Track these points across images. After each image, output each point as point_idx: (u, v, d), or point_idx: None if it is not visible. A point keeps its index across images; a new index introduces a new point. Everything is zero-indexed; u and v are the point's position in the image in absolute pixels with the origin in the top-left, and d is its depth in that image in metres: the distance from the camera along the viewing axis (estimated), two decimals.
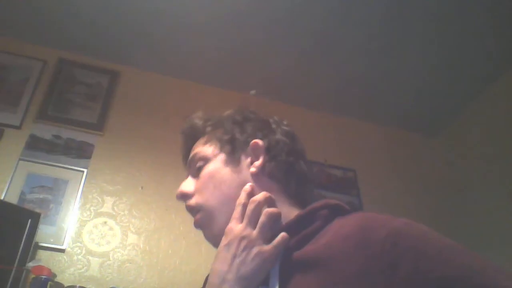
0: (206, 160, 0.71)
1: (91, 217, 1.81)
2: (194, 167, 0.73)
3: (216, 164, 0.70)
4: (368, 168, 2.39)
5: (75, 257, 1.70)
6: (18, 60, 2.10)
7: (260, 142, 0.69)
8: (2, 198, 1.70)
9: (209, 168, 0.70)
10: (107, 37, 2.14)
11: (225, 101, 2.25)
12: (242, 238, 0.59)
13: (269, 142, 0.70)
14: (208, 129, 0.75)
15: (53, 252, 1.68)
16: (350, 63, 2.23)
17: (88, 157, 1.94)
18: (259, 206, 0.61)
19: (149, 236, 1.84)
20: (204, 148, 0.72)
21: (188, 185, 0.72)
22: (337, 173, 2.31)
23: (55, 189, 1.81)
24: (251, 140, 0.69)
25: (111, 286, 1.65)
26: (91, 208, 1.83)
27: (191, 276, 1.78)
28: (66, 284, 1.58)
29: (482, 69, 2.19)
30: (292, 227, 0.60)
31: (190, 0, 1.93)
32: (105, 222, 1.82)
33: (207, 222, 0.68)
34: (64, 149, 1.93)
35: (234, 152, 0.69)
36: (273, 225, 0.61)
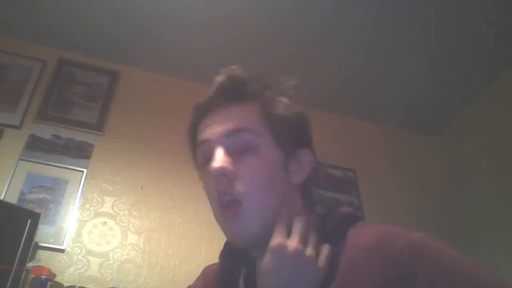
0: (256, 148, 0.62)
1: (91, 217, 1.81)
2: (237, 143, 0.62)
3: (271, 161, 0.62)
4: (367, 168, 2.39)
5: (75, 257, 1.70)
6: (18, 60, 2.10)
7: (313, 156, 0.68)
8: (1, 198, 1.70)
9: (263, 163, 0.61)
10: (107, 37, 2.14)
11: None
12: (299, 254, 0.55)
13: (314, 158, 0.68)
14: (267, 95, 0.69)
15: (52, 252, 1.68)
16: (350, 63, 2.23)
17: (88, 157, 1.94)
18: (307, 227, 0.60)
19: (149, 236, 1.83)
20: (256, 128, 0.63)
21: (229, 162, 0.60)
22: (337, 173, 2.31)
23: (54, 189, 1.81)
24: (305, 148, 0.67)
25: (110, 286, 1.65)
26: (91, 208, 1.83)
27: (191, 276, 1.77)
28: (65, 284, 1.57)
29: (482, 69, 2.19)
30: None
31: (190, 0, 1.93)
32: (105, 222, 1.82)
33: (246, 219, 0.60)
34: (64, 149, 1.93)
35: (290, 154, 0.65)
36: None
